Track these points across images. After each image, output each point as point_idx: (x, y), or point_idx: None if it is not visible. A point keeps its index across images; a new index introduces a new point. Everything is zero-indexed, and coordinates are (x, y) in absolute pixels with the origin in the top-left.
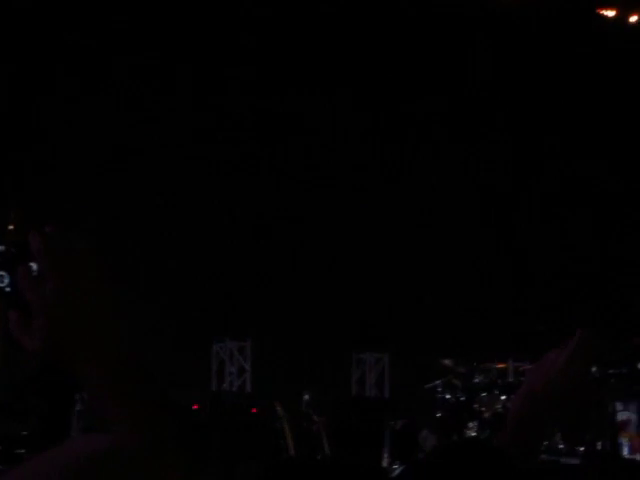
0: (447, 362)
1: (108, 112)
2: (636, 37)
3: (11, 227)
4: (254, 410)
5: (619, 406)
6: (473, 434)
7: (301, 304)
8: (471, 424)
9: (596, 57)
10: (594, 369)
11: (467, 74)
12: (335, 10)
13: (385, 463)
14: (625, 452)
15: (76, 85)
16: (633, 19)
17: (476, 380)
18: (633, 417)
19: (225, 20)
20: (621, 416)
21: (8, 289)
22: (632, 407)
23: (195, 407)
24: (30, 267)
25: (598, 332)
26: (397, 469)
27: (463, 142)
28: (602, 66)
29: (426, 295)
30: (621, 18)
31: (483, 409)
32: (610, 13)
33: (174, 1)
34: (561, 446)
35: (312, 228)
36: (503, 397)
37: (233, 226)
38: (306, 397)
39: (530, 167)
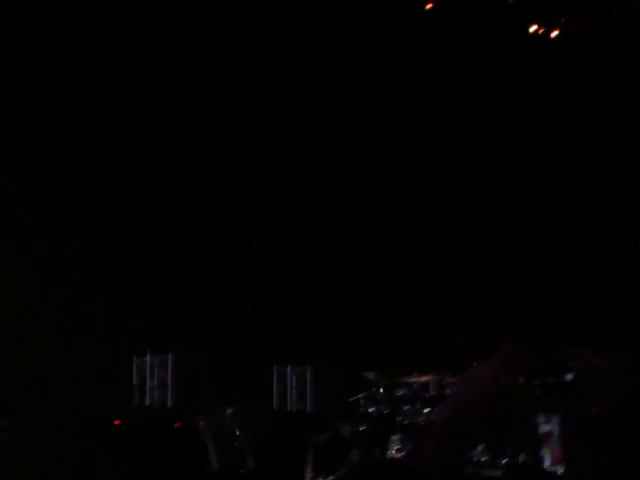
0: (370, 375)
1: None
2: (558, 52)
3: None
4: (177, 425)
5: (541, 419)
6: (396, 447)
7: (223, 317)
8: (394, 437)
9: (517, 71)
10: (520, 380)
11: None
12: None
13: (308, 478)
14: (546, 464)
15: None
16: (554, 34)
17: (399, 393)
18: (555, 430)
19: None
20: (543, 429)
21: None
22: (554, 420)
23: (117, 422)
24: None
25: (525, 344)
26: None
27: (386, 151)
28: (526, 81)
29: (349, 308)
30: (543, 34)
31: (406, 422)
32: (532, 28)
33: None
34: (484, 458)
35: (231, 241)
36: (426, 410)
37: (152, 239)
38: (229, 411)
39: (454, 173)
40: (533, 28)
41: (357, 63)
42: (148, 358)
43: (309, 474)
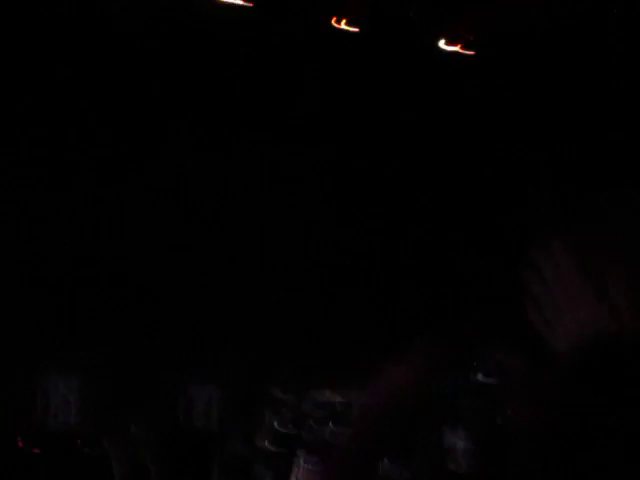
0: (276, 391)
1: None
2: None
3: None
4: (78, 442)
5: (446, 430)
6: (302, 462)
7: (127, 331)
8: (300, 452)
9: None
10: (431, 381)
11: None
12: None
13: None
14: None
15: None
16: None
17: (305, 408)
18: (461, 443)
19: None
20: (449, 441)
21: None
22: (459, 432)
23: (20, 444)
24: None
25: (436, 344)
26: None
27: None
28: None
29: (253, 323)
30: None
31: (313, 438)
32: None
33: None
34: (389, 470)
35: (135, 245)
36: (331, 426)
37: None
38: (132, 428)
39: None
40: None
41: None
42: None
43: None
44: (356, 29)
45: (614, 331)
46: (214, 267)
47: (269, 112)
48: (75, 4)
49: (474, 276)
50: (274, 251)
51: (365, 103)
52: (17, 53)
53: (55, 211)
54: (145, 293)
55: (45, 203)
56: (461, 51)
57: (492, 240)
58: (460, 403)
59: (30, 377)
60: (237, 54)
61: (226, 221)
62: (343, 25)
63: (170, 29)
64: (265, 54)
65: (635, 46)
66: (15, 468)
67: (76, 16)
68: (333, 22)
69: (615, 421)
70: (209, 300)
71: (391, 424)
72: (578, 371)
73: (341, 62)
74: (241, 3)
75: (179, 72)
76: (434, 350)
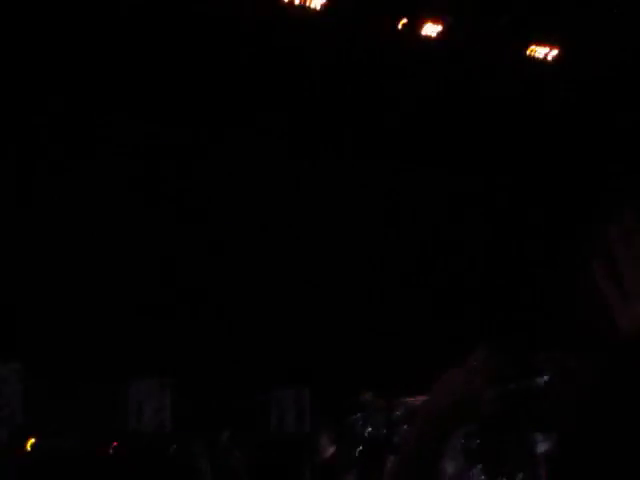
0: (367, 396)
1: None
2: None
3: None
4: (171, 448)
5: (539, 437)
6: None
7: (221, 341)
8: (393, 458)
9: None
10: (493, 386)
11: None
12: None
13: None
14: None
15: None
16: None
17: (397, 413)
18: (553, 449)
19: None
20: (540, 448)
21: None
22: (552, 439)
23: (114, 444)
24: None
25: (497, 349)
26: None
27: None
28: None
29: (345, 329)
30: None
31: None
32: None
33: None
34: (482, 477)
35: (228, 265)
36: None
37: (147, 265)
38: (226, 434)
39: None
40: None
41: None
42: (146, 382)
43: None
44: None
45: None
46: (300, 281)
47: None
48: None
49: (535, 283)
50: (361, 265)
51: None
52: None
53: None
54: (236, 307)
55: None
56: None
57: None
58: (529, 408)
59: (124, 385)
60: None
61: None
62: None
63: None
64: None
65: None
66: (109, 471)
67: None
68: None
69: None
70: (298, 308)
71: (451, 427)
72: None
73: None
74: None
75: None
76: (493, 354)
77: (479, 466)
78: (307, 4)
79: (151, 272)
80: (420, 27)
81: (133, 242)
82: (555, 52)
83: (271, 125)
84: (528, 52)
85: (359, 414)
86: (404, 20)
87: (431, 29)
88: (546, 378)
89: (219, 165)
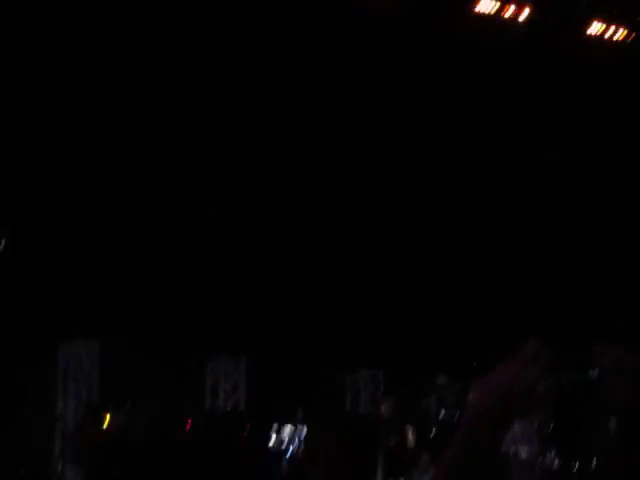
0: (441, 379)
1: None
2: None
3: None
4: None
5: (614, 422)
6: None
7: (296, 323)
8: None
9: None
10: (547, 378)
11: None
12: None
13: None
14: None
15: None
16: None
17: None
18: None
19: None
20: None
21: None
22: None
23: (189, 425)
24: None
25: (548, 341)
26: None
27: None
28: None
29: (422, 312)
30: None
31: None
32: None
33: None
34: (555, 463)
35: (302, 246)
36: None
37: (224, 246)
38: (300, 413)
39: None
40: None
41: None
42: (222, 361)
43: (380, 477)
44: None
45: None
46: (378, 264)
47: None
48: None
49: (586, 278)
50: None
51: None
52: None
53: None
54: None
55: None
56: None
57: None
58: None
59: (200, 364)
60: None
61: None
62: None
63: None
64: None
65: None
66: (184, 449)
67: None
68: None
69: None
70: (376, 291)
71: (503, 420)
72: None
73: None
74: None
75: None
76: (545, 346)
77: (554, 450)
78: None
79: (229, 252)
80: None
81: (213, 221)
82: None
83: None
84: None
85: (433, 397)
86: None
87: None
88: (597, 371)
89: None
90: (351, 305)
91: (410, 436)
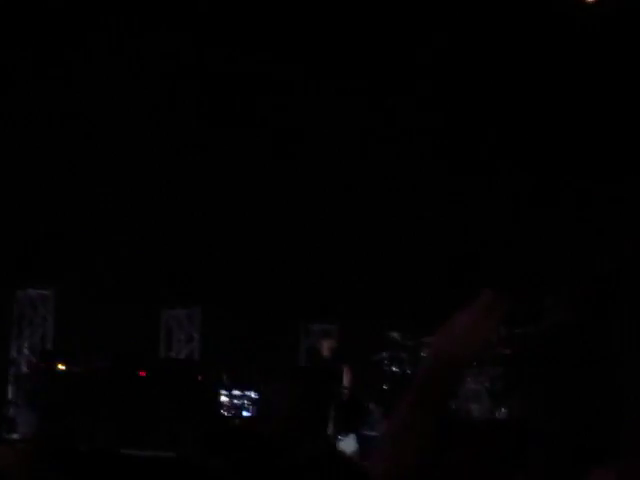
0: (395, 335)
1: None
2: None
3: None
4: (199, 378)
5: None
6: None
7: (251, 273)
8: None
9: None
10: (501, 328)
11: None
12: None
13: (330, 433)
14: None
15: None
16: None
17: (423, 354)
18: None
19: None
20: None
21: None
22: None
23: (142, 374)
24: None
25: (504, 291)
26: (341, 440)
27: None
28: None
29: (376, 268)
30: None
31: None
32: None
33: None
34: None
35: (262, 196)
36: None
37: (183, 195)
38: (254, 367)
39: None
40: None
41: None
42: (176, 312)
43: (330, 429)
44: None
45: None
46: (336, 219)
47: None
48: None
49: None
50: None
51: None
52: None
53: None
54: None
55: None
56: None
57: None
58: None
59: (156, 316)
60: None
61: None
62: None
63: None
64: None
65: None
66: (139, 394)
67: None
68: None
69: None
70: (331, 245)
71: (458, 370)
72: None
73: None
74: None
75: None
76: (501, 297)
77: (503, 408)
78: None
79: (185, 200)
80: None
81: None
82: None
83: None
84: None
85: (386, 353)
86: None
87: None
88: (551, 321)
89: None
90: (307, 256)
91: (346, 376)
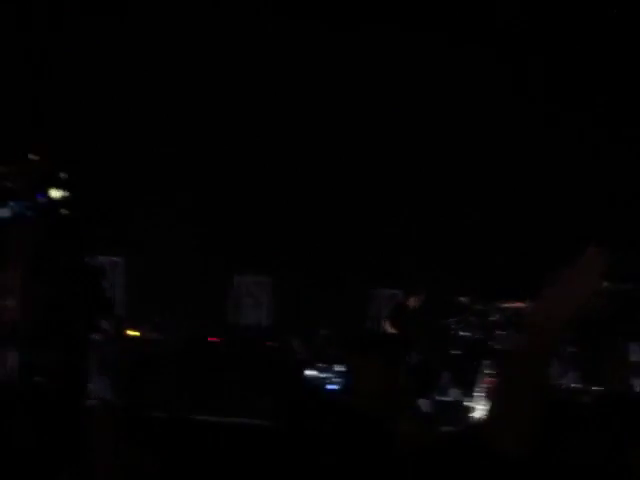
0: (464, 299)
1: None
2: None
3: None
4: (269, 344)
5: (635, 347)
6: (488, 372)
7: (320, 240)
8: (486, 362)
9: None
10: (605, 284)
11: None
12: None
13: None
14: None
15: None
16: None
17: (492, 318)
18: None
19: None
20: (634, 357)
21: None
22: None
23: (213, 339)
24: None
25: (607, 248)
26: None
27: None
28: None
29: (445, 234)
30: None
31: (499, 347)
32: None
33: None
34: (576, 385)
35: (328, 165)
36: (516, 333)
37: (250, 165)
38: (323, 332)
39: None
40: None
41: None
42: (246, 278)
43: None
44: None
45: None
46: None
47: None
48: None
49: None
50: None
51: None
52: None
53: None
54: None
55: None
56: None
57: None
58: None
59: (227, 282)
60: None
61: None
62: None
63: None
64: None
65: None
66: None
67: None
68: None
69: None
70: (411, 218)
71: (564, 325)
72: None
73: None
74: None
75: None
76: (604, 253)
77: (572, 373)
78: None
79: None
80: None
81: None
82: None
83: None
84: None
85: (455, 318)
86: None
87: None
88: None
89: None
90: (376, 225)
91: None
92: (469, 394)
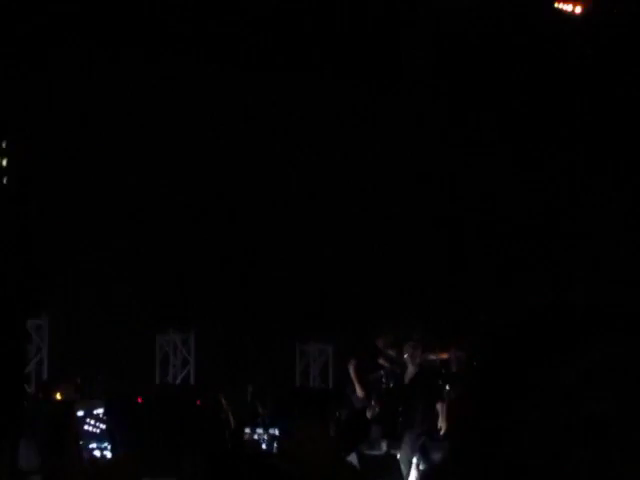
0: (391, 352)
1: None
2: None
3: None
4: (198, 402)
5: None
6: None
7: (244, 296)
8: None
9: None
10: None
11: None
12: None
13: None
14: None
15: None
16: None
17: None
18: None
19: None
20: None
21: None
22: None
23: (139, 400)
24: None
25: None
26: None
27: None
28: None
29: (368, 288)
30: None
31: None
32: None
33: None
34: None
35: (254, 219)
36: (446, 386)
37: (175, 220)
38: (250, 389)
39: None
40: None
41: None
42: (170, 336)
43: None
44: None
45: None
46: (343, 243)
47: None
48: None
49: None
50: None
51: None
52: None
53: None
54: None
55: None
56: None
57: None
58: None
59: (150, 340)
60: None
61: None
62: None
63: None
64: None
65: None
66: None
67: None
68: None
69: None
70: (326, 266)
71: None
72: None
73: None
74: None
75: None
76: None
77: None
78: None
79: (176, 228)
80: None
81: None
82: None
83: None
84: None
85: (382, 371)
86: None
87: None
88: None
89: None
90: (300, 278)
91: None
92: (398, 445)
